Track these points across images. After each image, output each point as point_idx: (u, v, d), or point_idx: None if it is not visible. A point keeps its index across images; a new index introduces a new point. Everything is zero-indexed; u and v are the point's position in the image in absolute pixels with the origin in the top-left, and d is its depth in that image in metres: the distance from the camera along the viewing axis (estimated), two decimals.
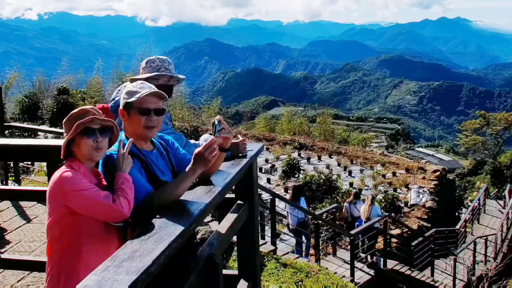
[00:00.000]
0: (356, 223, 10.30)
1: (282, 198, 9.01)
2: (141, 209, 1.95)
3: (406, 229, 12.97)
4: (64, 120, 2.05)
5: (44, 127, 13.42)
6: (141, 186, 2.00)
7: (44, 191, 2.73)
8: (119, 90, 3.01)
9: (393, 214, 13.48)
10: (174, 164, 2.25)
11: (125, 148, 2.01)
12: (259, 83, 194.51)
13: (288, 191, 16.58)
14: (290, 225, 9.25)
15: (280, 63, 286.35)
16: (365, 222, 9.97)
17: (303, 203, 9.24)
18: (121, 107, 2.11)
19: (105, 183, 2.07)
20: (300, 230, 8.95)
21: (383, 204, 14.47)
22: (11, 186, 6.62)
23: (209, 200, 1.95)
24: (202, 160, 1.99)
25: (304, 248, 9.12)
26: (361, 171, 19.21)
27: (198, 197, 2.00)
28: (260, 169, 18.64)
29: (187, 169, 2.02)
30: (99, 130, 2.00)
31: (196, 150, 2.00)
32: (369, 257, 9.91)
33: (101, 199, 1.87)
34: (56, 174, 1.94)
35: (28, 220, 5.48)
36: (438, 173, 18.51)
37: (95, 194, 1.89)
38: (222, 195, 2.13)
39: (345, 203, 10.97)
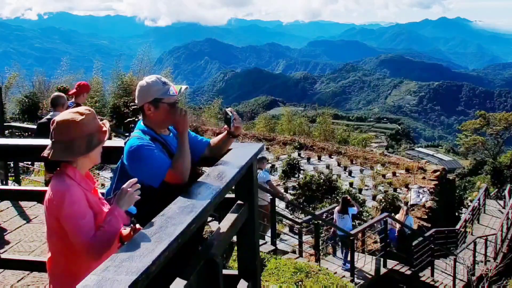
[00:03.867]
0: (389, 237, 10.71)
1: (282, 198, 9.02)
2: (166, 181, 2.25)
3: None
4: (73, 119, 1.97)
5: None
6: (166, 163, 2.30)
7: (44, 191, 2.72)
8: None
9: (393, 214, 13.46)
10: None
11: (133, 186, 1.98)
12: (259, 83, 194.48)
13: (288, 191, 16.60)
14: (338, 235, 9.52)
15: (280, 63, 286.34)
16: (398, 231, 10.65)
17: (351, 211, 9.60)
18: (148, 101, 2.37)
19: (92, 187, 2.07)
20: (346, 241, 9.21)
21: (383, 204, 14.47)
22: (11, 186, 6.62)
23: (209, 200, 1.95)
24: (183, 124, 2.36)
25: (343, 256, 9.37)
26: (361, 171, 19.21)
27: (198, 197, 2.00)
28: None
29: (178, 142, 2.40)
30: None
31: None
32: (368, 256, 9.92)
33: (82, 235, 1.86)
34: (59, 187, 1.91)
35: (28, 220, 5.48)
36: (438, 173, 18.50)
37: (81, 227, 1.87)
38: (222, 195, 2.13)
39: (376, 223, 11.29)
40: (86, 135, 1.96)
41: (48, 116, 5.61)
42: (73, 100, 6.21)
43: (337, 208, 9.91)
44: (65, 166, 1.97)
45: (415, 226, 13.90)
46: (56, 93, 5.84)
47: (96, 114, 2.08)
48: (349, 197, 10.04)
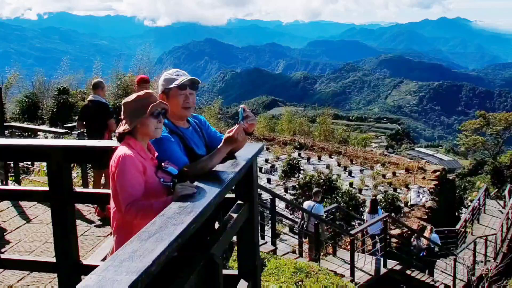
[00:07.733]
0: (421, 254, 11.46)
1: (282, 198, 9.03)
2: (179, 176, 2.31)
3: (406, 229, 12.97)
4: (128, 100, 2.32)
5: (44, 127, 13.41)
6: (179, 158, 2.39)
7: (44, 191, 2.75)
8: None
9: (393, 214, 13.48)
10: (206, 140, 2.66)
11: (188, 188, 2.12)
12: (259, 83, 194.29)
13: (288, 191, 16.62)
14: (369, 231, 10.61)
15: (280, 63, 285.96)
16: (426, 249, 11.30)
17: (380, 213, 10.77)
18: (160, 92, 2.50)
19: (150, 157, 2.30)
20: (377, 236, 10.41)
21: (383, 204, 14.47)
22: (11, 186, 6.62)
23: (209, 200, 1.96)
24: (232, 142, 2.40)
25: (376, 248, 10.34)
26: (361, 171, 19.21)
27: (198, 197, 2.00)
28: (260, 169, 18.65)
29: (219, 147, 2.42)
30: (161, 113, 2.31)
31: (227, 135, 2.41)
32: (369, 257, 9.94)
33: (125, 197, 2.13)
34: (118, 152, 2.22)
35: (28, 220, 5.48)
36: (438, 173, 18.51)
37: (128, 192, 2.13)
38: (222, 195, 2.13)
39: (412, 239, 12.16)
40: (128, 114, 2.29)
41: (90, 98, 6.40)
42: None
43: (367, 210, 10.94)
44: (127, 137, 2.29)
45: (415, 226, 13.92)
46: (97, 79, 6.81)
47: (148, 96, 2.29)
48: (377, 199, 11.29)
